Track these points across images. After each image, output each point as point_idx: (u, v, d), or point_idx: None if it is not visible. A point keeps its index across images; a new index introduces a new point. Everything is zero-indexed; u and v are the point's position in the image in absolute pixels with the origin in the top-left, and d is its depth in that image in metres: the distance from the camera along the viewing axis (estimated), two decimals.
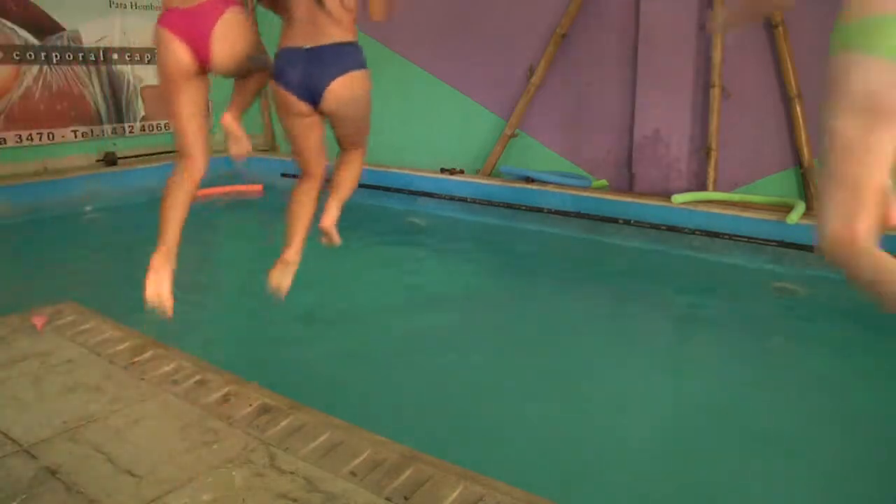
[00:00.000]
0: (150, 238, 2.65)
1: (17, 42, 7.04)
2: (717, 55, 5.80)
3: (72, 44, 7.48)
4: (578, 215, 6.13)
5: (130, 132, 8.10)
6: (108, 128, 7.86)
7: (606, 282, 4.93)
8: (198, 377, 2.54)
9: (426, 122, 7.82)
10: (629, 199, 5.96)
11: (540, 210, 6.35)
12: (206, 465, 2.04)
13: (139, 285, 2.68)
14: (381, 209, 7.01)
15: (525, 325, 4.07)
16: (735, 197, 5.76)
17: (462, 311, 4.23)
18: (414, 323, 4.00)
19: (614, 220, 5.92)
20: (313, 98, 2.68)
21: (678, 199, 5.70)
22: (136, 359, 2.72)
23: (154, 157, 8.15)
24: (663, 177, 6.28)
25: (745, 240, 5.37)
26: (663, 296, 4.66)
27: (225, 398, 2.41)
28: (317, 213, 3.01)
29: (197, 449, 2.12)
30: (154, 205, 2.74)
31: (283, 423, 2.25)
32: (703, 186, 6.13)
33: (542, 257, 5.66)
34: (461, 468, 2.05)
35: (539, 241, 5.97)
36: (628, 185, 6.58)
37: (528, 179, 6.57)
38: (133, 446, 2.15)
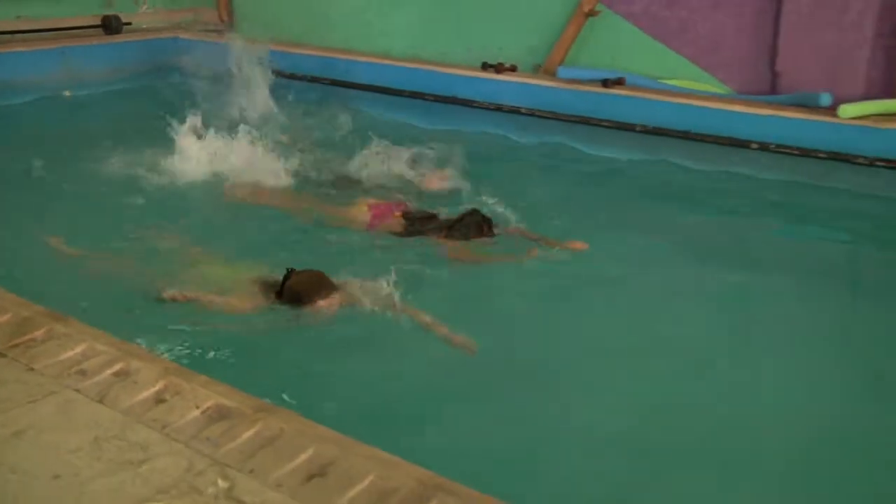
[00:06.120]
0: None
1: None
2: None
3: None
4: (685, 135, 4.71)
5: None
6: None
7: (724, 234, 4.05)
8: (118, 366, 2.02)
9: None
10: (768, 112, 4.56)
11: (630, 127, 4.90)
12: (129, 497, 1.58)
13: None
14: (394, 124, 5.63)
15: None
16: None
17: None
18: None
19: (744, 144, 4.55)
20: None
21: (848, 111, 4.33)
22: (18, 340, 2.16)
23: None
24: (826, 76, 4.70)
25: None
26: (808, 257, 3.78)
27: (159, 397, 1.91)
28: None
29: (115, 473, 1.65)
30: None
31: (247, 434, 1.79)
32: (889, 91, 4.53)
33: (630, 197, 4.57)
34: (498, 501, 1.64)
35: (626, 170, 4.85)
36: (769, 87, 4.98)
37: (610, 82, 5.06)
38: (13, 470, 1.66)
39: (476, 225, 3.84)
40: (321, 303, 3.11)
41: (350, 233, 3.88)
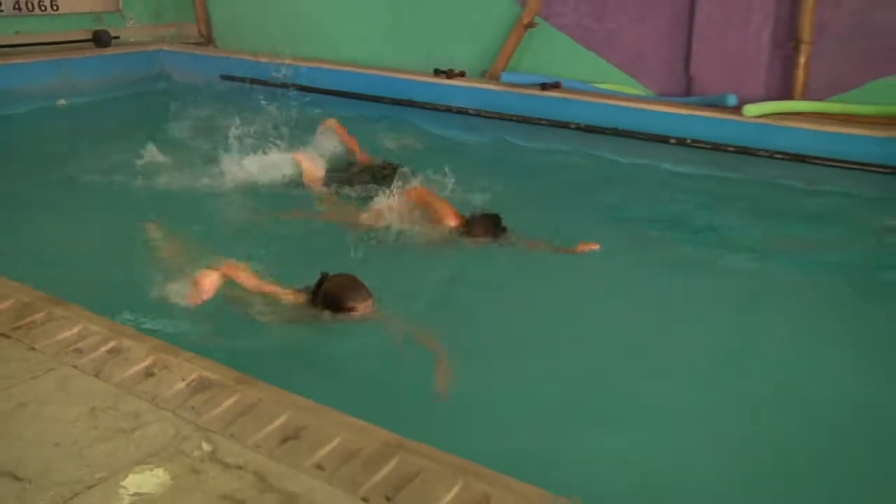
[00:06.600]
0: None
1: None
2: None
3: None
4: (614, 132, 5.18)
5: None
6: None
7: (657, 221, 4.19)
8: (111, 344, 2.13)
9: (414, 7, 6.53)
10: (685, 112, 5.00)
11: (565, 125, 5.38)
12: (123, 460, 1.70)
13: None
14: (360, 122, 5.82)
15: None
16: (834, 108, 4.78)
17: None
18: None
19: (665, 140, 5.01)
20: None
21: (751, 110, 4.76)
22: (21, 322, 2.26)
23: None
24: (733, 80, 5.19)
25: (843, 164, 4.47)
26: (731, 241, 3.96)
27: (148, 371, 2.03)
28: None
29: (110, 440, 1.77)
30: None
31: (228, 403, 1.91)
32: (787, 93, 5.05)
33: (568, 188, 4.78)
34: (459, 459, 1.76)
35: (563, 164, 5.16)
36: (685, 90, 5.51)
37: (547, 86, 5.57)
38: (17, 439, 1.77)
39: (485, 224, 3.72)
40: (357, 307, 2.95)
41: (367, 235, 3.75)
